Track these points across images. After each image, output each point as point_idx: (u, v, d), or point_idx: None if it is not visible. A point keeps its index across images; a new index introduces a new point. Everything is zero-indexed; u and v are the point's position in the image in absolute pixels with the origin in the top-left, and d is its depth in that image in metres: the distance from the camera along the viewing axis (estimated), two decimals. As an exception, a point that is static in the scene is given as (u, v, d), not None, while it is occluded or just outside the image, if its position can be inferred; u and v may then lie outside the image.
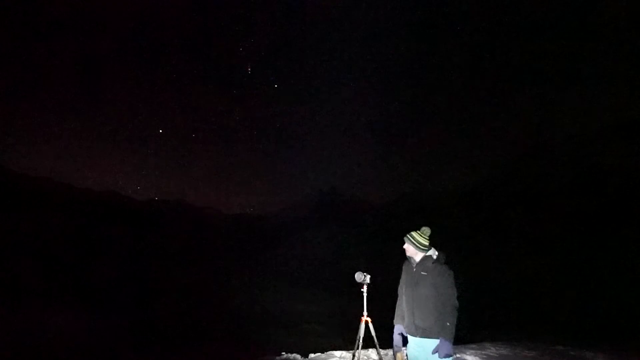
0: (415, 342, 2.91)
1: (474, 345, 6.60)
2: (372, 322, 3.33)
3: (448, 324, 2.67)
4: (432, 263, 2.87)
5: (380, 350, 3.48)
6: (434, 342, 2.75)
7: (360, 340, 3.39)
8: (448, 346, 2.63)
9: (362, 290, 3.38)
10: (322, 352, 6.19)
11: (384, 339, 3.70)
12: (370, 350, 5.68)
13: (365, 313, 3.33)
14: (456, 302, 2.73)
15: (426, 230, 2.96)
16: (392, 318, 3.17)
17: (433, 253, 2.93)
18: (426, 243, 2.91)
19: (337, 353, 5.95)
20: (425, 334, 2.81)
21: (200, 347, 21.55)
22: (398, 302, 3.13)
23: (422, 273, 2.88)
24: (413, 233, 2.97)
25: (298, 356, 6.72)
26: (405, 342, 3.07)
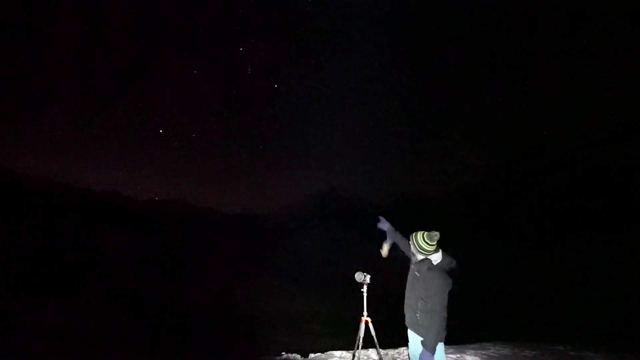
0: (409, 331, 3.02)
1: (474, 345, 6.59)
2: (372, 322, 3.34)
3: (430, 333, 2.66)
4: (428, 268, 2.79)
5: (380, 350, 3.48)
6: (418, 338, 2.84)
7: (360, 340, 3.40)
8: (428, 358, 2.67)
9: (362, 290, 3.39)
10: (322, 352, 6.19)
11: (384, 339, 3.70)
12: (370, 350, 5.68)
13: (365, 313, 3.34)
14: (443, 311, 2.67)
15: (434, 235, 2.79)
16: (392, 318, 3.20)
17: (437, 258, 2.83)
18: (427, 248, 2.80)
19: (337, 353, 5.94)
20: (412, 327, 2.91)
21: (201, 346, 21.55)
22: None
23: (416, 273, 2.88)
24: (418, 233, 2.87)
25: (298, 356, 6.73)
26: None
